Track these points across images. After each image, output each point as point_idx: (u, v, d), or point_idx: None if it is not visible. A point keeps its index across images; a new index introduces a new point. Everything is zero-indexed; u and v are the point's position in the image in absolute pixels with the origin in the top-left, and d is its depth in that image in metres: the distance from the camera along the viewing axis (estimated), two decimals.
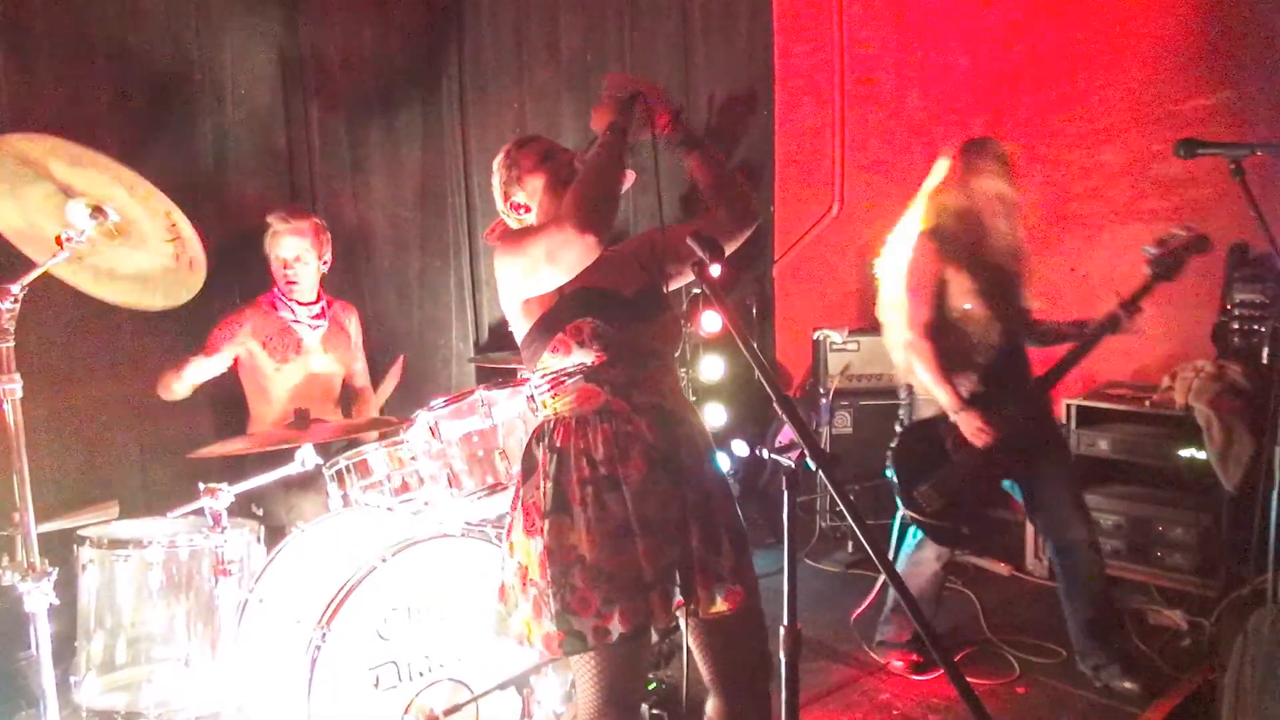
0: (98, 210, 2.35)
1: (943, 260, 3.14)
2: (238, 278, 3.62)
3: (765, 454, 1.49)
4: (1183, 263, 3.01)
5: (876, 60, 5.26)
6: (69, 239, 2.32)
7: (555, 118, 4.68)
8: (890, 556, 3.43)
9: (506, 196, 2.20)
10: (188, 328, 3.30)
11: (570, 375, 2.02)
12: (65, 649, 2.89)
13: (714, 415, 4.91)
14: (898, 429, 3.60)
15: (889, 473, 3.24)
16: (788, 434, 1.45)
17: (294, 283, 3.42)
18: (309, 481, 3.18)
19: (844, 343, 4.70)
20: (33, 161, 2.25)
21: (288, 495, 3.28)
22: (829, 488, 1.41)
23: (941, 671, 3.37)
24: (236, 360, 3.39)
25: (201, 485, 2.48)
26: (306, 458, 2.77)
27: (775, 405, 1.46)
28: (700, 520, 2.01)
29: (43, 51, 3.30)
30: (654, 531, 1.95)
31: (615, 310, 2.02)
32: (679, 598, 1.97)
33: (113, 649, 2.83)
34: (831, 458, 1.48)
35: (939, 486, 3.16)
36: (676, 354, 2.20)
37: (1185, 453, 3.74)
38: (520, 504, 2.07)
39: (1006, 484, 3.32)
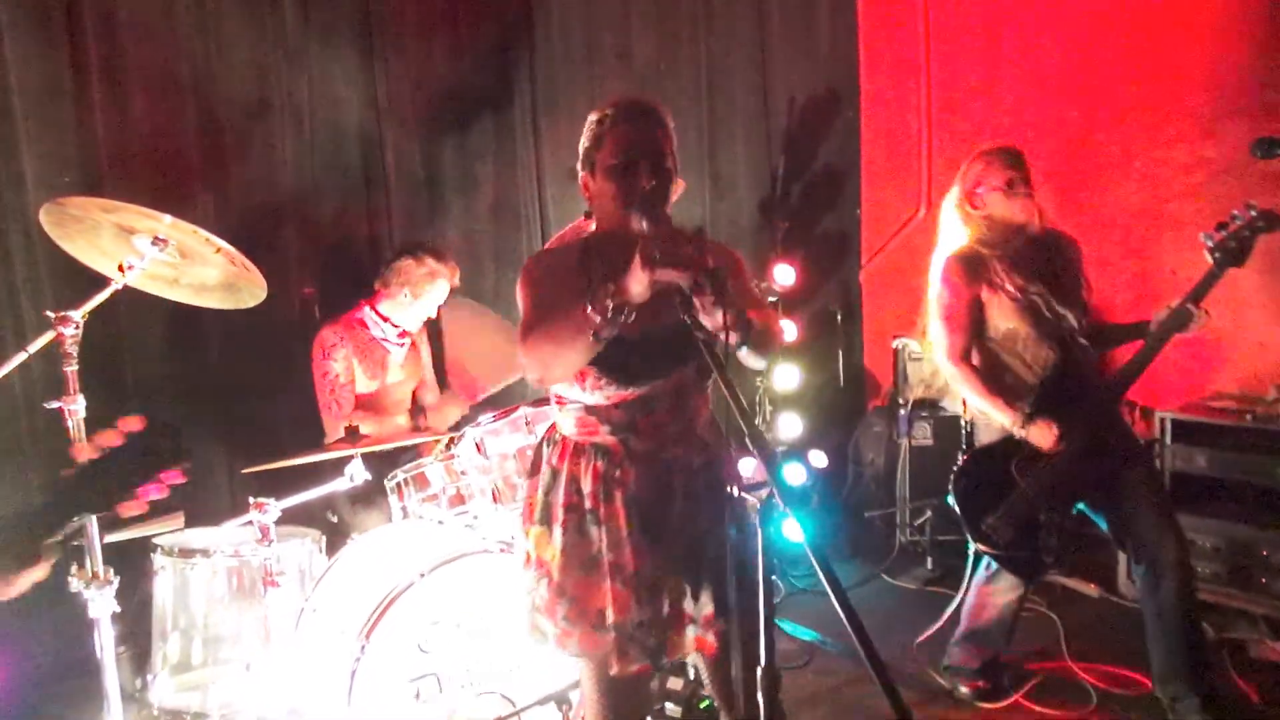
0: (158, 239, 2.53)
1: (974, 283, 3.00)
2: (319, 296, 3.79)
3: (736, 491, 1.45)
4: (1249, 245, 2.77)
5: (965, 56, 5.06)
6: (129, 266, 2.50)
7: None
8: (966, 588, 3.32)
9: (582, 165, 2.01)
10: (260, 348, 3.48)
11: (574, 401, 2.02)
12: (143, 650, 3.10)
13: (790, 426, 4.82)
14: (960, 456, 3.45)
15: (952, 502, 3.09)
16: (761, 470, 1.41)
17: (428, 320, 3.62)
18: (376, 493, 3.29)
19: (924, 351, 4.54)
20: (80, 218, 2.46)
21: (354, 506, 3.40)
22: (804, 540, 1.36)
23: (1011, 699, 3.24)
24: (318, 384, 3.49)
25: (251, 499, 2.60)
26: (356, 472, 2.86)
27: (747, 441, 1.42)
28: (679, 574, 1.98)
29: (135, 86, 3.53)
30: (623, 582, 1.94)
31: (624, 357, 1.90)
32: (641, 661, 1.96)
33: (187, 650, 3.00)
34: (801, 498, 1.42)
35: (1008, 516, 2.99)
36: (704, 389, 2.09)
37: None
38: (527, 496, 2.12)
39: (1083, 507, 3.13)
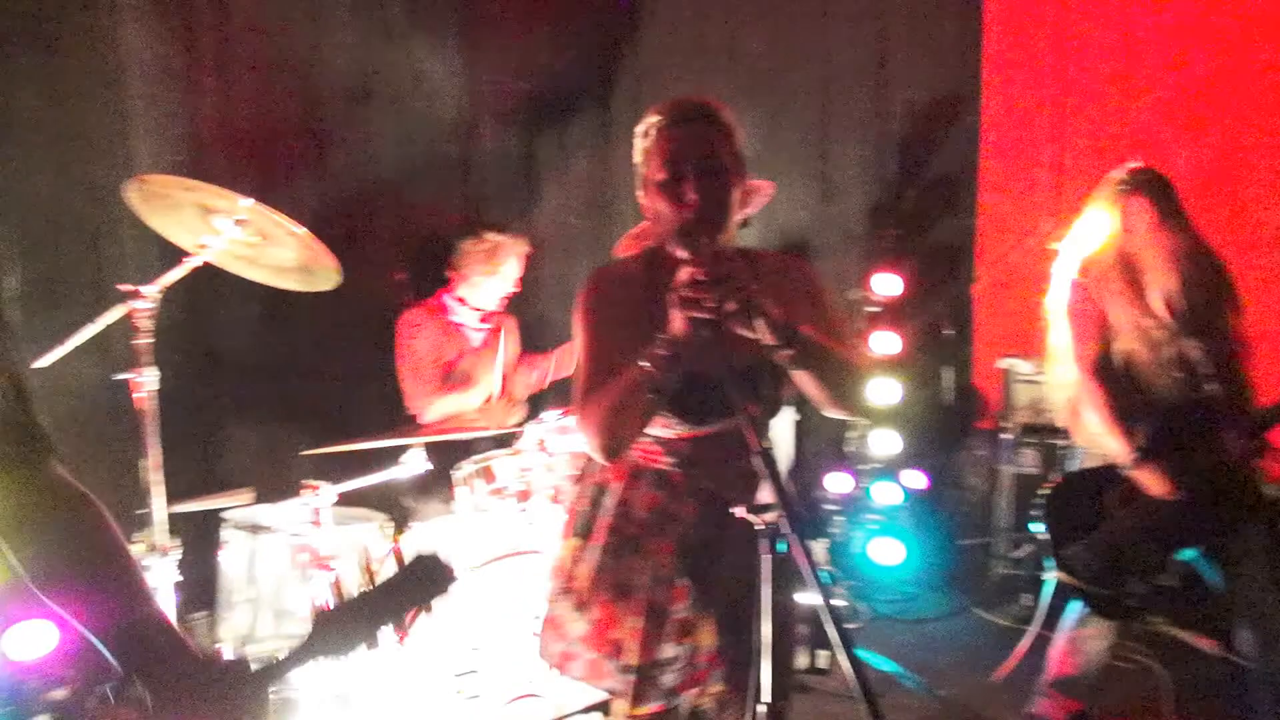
0: (240, 221, 2.57)
1: (1102, 299, 2.76)
2: (410, 282, 3.83)
3: (741, 513, 1.33)
4: None
5: (1099, 59, 4.72)
6: (204, 245, 2.55)
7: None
8: (1038, 621, 3.07)
9: (638, 182, 1.86)
10: (348, 331, 3.52)
11: None
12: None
13: (886, 443, 4.60)
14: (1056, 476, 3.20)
15: (1037, 525, 2.87)
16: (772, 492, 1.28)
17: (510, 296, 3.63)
18: (443, 482, 3.28)
19: (1033, 374, 4.26)
20: (163, 196, 2.50)
21: (422, 494, 3.41)
22: (805, 562, 1.23)
23: None
24: (402, 359, 3.55)
25: (302, 482, 2.61)
26: (414, 461, 2.85)
27: (754, 458, 1.30)
28: (715, 618, 1.82)
29: (242, 71, 3.63)
30: (657, 623, 1.79)
31: (696, 394, 1.72)
32: (658, 701, 1.80)
33: (253, 622, 3.05)
34: (810, 523, 1.29)
35: (1096, 549, 2.76)
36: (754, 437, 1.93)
37: None
38: (571, 503, 2.00)
39: (1192, 555, 2.84)
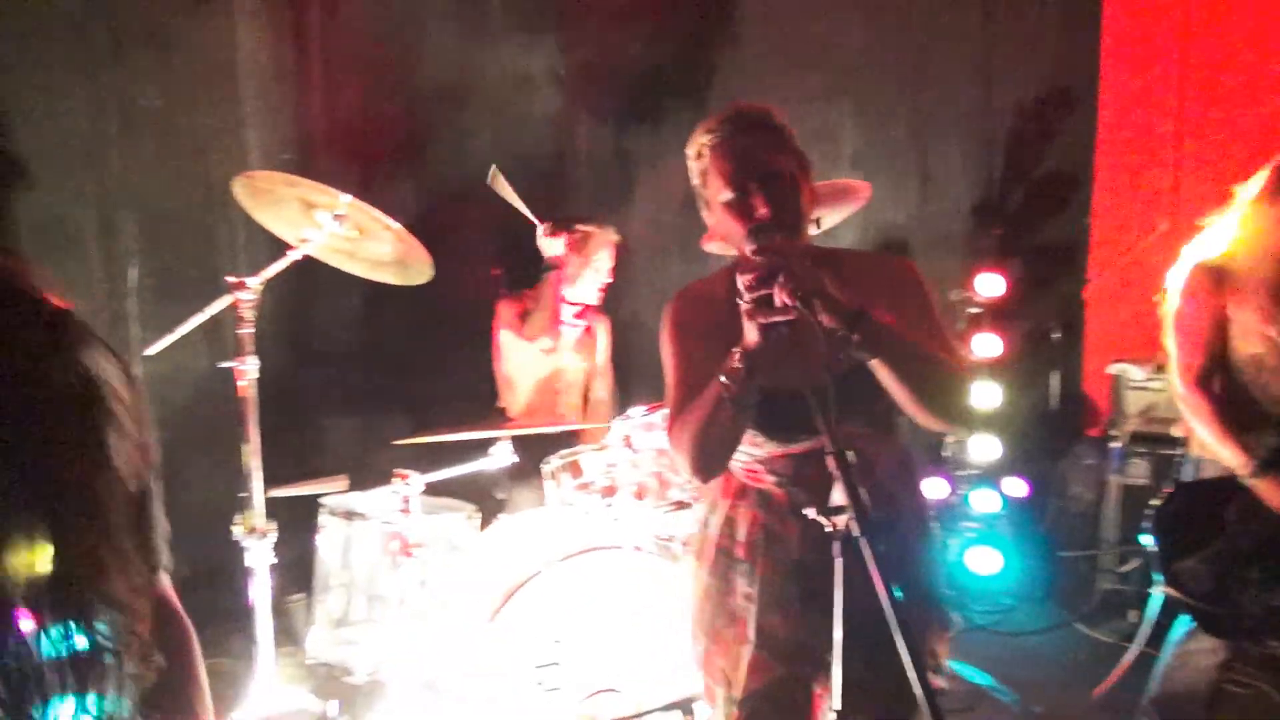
0: (340, 216, 2.65)
1: (1220, 294, 2.60)
2: (505, 278, 3.89)
3: (813, 514, 1.29)
4: None
5: (1225, 52, 4.47)
6: (305, 239, 2.63)
7: (827, 124, 4.49)
8: (1143, 638, 2.92)
9: (700, 204, 1.83)
10: (443, 325, 3.59)
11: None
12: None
13: (988, 448, 4.46)
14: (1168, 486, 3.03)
15: (1147, 538, 2.73)
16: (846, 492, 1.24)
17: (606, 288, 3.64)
18: (536, 475, 3.33)
19: (1145, 380, 4.06)
20: (267, 191, 2.59)
21: (515, 486, 3.46)
22: (872, 567, 1.19)
23: None
24: (497, 348, 3.61)
25: (393, 471, 2.67)
26: (502, 453, 2.89)
27: (826, 458, 1.26)
28: (827, 645, 1.69)
29: (348, 70, 3.74)
30: (770, 651, 1.73)
31: (780, 412, 1.64)
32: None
33: (346, 607, 3.15)
34: (887, 524, 1.24)
35: (1211, 564, 2.60)
36: (886, 436, 1.83)
37: None
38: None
39: None
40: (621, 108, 4.19)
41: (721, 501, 1.85)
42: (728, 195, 1.67)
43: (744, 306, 1.48)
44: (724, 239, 1.78)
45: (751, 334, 1.48)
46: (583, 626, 2.62)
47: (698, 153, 1.75)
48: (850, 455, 1.28)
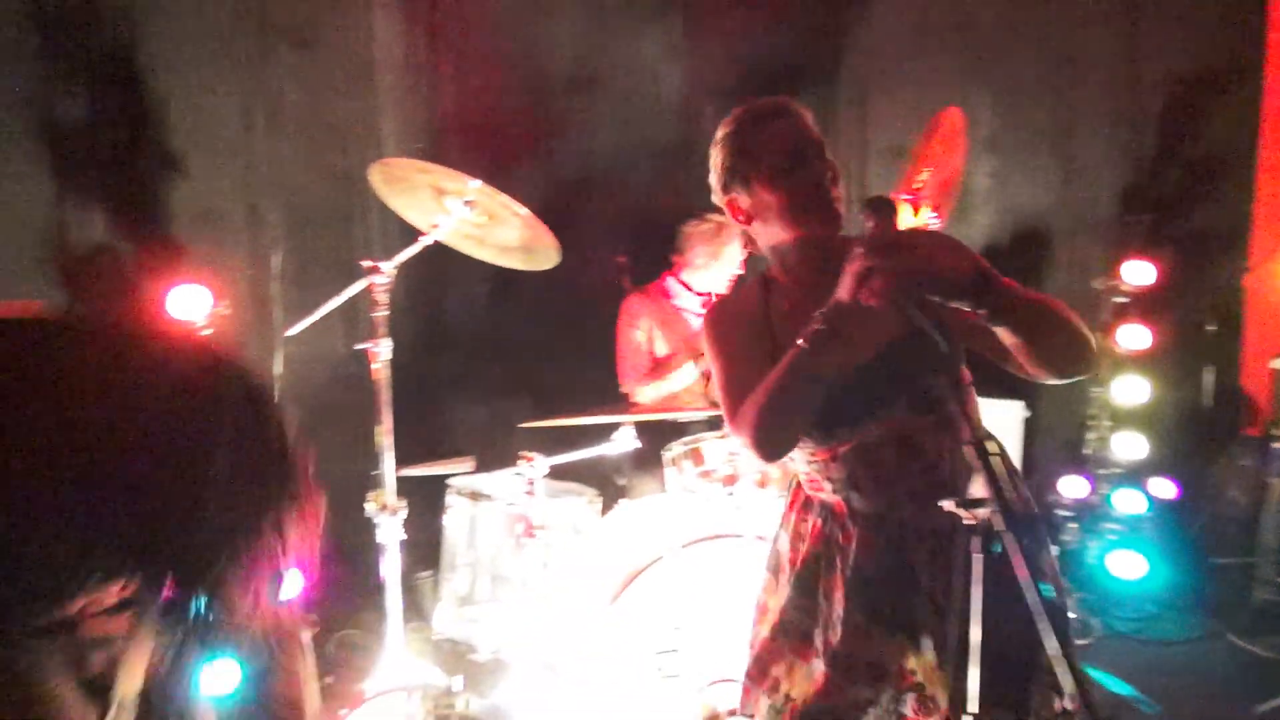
0: (469, 202, 2.70)
1: None
2: (630, 265, 3.90)
3: (950, 506, 1.23)
4: None
5: None
6: (436, 225, 2.70)
7: (963, 107, 4.30)
8: None
9: (726, 187, 1.76)
10: (569, 311, 3.63)
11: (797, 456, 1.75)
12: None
13: (1133, 447, 4.21)
14: None
15: None
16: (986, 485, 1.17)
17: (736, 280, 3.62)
18: (657, 461, 3.33)
19: None
20: (402, 178, 2.66)
21: (636, 472, 3.47)
22: (1019, 561, 1.12)
23: None
24: (618, 343, 3.62)
25: (519, 453, 2.71)
26: (625, 438, 2.89)
27: (965, 447, 1.19)
28: (905, 652, 1.66)
29: (476, 60, 3.82)
30: (837, 668, 1.65)
31: (835, 399, 1.57)
32: None
33: (472, 585, 3.22)
34: (1030, 519, 1.17)
35: None
36: (952, 426, 1.74)
37: None
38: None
39: None
40: (748, 91, 4.12)
41: (790, 515, 1.83)
42: (784, 162, 1.64)
43: (859, 260, 1.38)
44: (758, 222, 1.72)
45: (848, 291, 1.40)
46: (703, 615, 2.61)
47: (736, 130, 1.73)
48: (996, 444, 1.21)
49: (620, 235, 4.05)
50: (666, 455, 3.22)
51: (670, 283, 3.64)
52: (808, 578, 1.73)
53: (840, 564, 1.69)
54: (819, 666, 1.68)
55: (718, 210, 3.54)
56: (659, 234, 4.05)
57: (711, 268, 3.55)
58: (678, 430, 3.33)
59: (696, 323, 3.66)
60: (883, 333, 1.56)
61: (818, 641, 1.70)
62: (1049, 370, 1.53)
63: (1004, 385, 4.11)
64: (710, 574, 2.62)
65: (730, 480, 3.04)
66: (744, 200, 1.74)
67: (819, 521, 1.74)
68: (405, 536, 2.70)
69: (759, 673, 1.77)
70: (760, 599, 1.86)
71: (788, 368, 1.51)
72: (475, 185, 2.65)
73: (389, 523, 2.66)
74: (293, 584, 1.29)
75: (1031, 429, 3.98)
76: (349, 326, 2.91)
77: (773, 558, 1.85)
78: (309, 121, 3.59)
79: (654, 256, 3.82)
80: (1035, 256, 4.55)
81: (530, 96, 3.91)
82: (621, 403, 2.88)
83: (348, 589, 3.38)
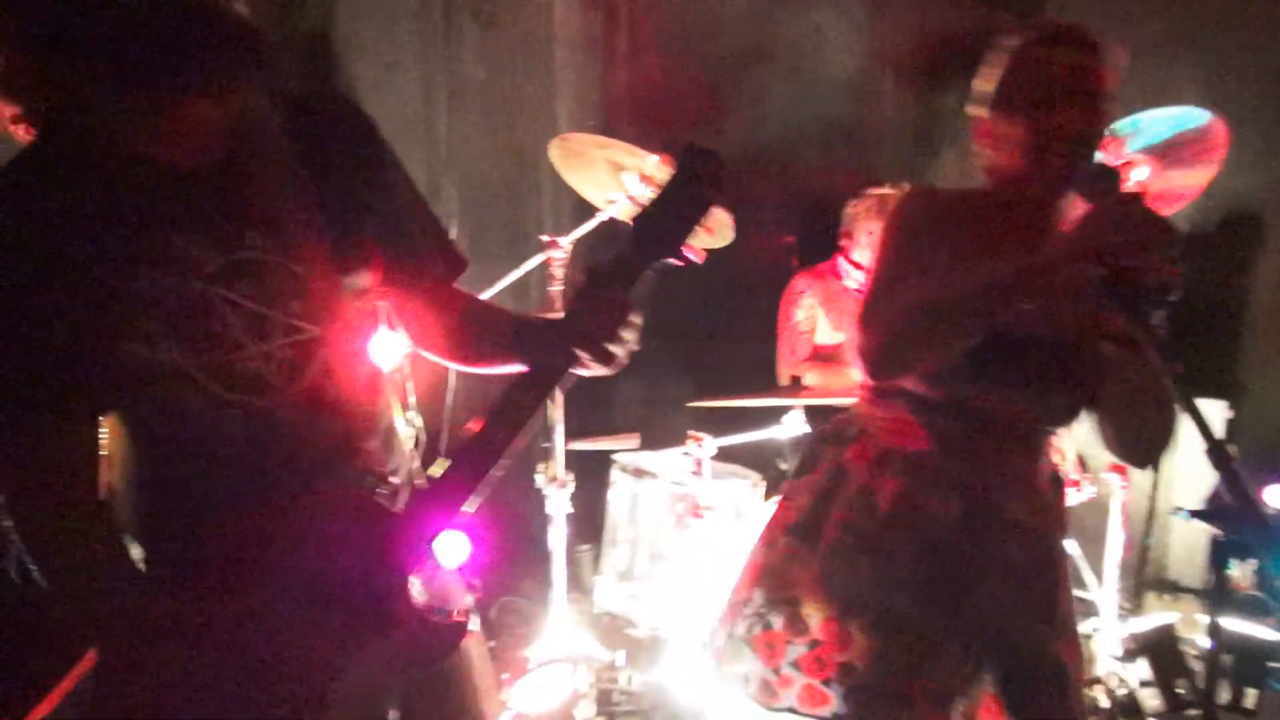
0: (646, 178, 2.70)
1: None
2: (798, 245, 3.83)
3: (1182, 514, 1.12)
4: None
5: None
6: (611, 201, 2.70)
7: (1167, 82, 3.97)
8: None
9: (980, 103, 1.61)
10: (735, 291, 3.58)
11: (900, 393, 1.58)
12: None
13: None
14: None
15: None
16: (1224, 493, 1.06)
17: None
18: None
19: None
20: (580, 153, 2.67)
21: (797, 456, 3.40)
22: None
23: None
24: (780, 324, 3.56)
25: (689, 433, 2.69)
26: (794, 422, 2.83)
27: (1206, 454, 1.08)
28: (961, 643, 1.52)
29: (650, 37, 3.80)
30: (895, 641, 1.50)
31: (996, 356, 1.47)
32: None
33: (632, 561, 3.23)
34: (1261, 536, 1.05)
35: None
36: (1054, 436, 1.61)
37: None
38: (785, 496, 1.72)
39: None
40: (928, 68, 3.96)
41: (850, 469, 1.59)
42: (1036, 96, 1.49)
43: (1093, 225, 1.30)
44: (997, 153, 1.58)
45: (1065, 257, 1.31)
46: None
47: (1018, 45, 1.55)
48: (1233, 449, 1.10)
49: (791, 215, 3.97)
50: None
51: (840, 262, 3.54)
52: (873, 542, 1.54)
53: (919, 529, 1.53)
54: (872, 641, 1.51)
55: (874, 184, 3.40)
56: (829, 218, 3.95)
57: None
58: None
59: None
60: (1069, 319, 1.50)
61: (873, 612, 1.52)
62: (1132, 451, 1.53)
63: (1204, 383, 3.81)
64: None
65: None
66: (990, 126, 1.59)
67: (900, 479, 1.55)
68: (571, 509, 2.73)
69: (764, 647, 1.59)
70: (772, 567, 1.64)
71: (963, 293, 1.41)
72: (654, 160, 2.64)
73: (557, 495, 2.70)
74: (461, 548, 1.31)
75: (1234, 429, 3.66)
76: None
77: (806, 521, 1.61)
78: (488, 99, 3.66)
79: (823, 242, 3.72)
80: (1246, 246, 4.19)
81: (704, 72, 3.86)
82: (792, 384, 2.81)
83: (512, 557, 3.47)
